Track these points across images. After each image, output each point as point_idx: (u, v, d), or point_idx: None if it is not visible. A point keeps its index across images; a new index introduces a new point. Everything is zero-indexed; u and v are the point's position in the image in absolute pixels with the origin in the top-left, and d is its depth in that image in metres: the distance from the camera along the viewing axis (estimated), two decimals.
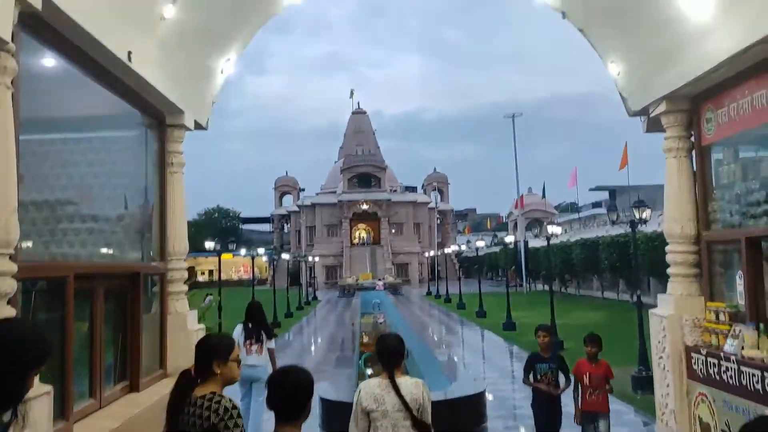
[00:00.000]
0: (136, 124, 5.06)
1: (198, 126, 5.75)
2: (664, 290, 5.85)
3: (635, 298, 28.85)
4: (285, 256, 38.49)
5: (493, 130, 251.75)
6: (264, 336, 7.38)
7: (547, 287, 43.95)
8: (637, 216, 10.61)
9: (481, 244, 27.71)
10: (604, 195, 57.67)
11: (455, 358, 13.94)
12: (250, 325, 7.37)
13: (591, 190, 50.15)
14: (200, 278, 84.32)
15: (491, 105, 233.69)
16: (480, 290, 25.13)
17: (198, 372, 2.90)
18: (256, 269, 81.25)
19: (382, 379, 3.61)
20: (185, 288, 5.44)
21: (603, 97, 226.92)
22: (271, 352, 7.34)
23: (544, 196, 49.80)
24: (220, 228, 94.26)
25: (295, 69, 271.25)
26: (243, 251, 30.06)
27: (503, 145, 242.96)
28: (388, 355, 3.68)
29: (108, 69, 4.18)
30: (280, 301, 28.85)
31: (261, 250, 27.31)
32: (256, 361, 7.16)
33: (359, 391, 3.65)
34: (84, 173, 4.29)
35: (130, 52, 4.05)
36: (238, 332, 7.25)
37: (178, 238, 5.30)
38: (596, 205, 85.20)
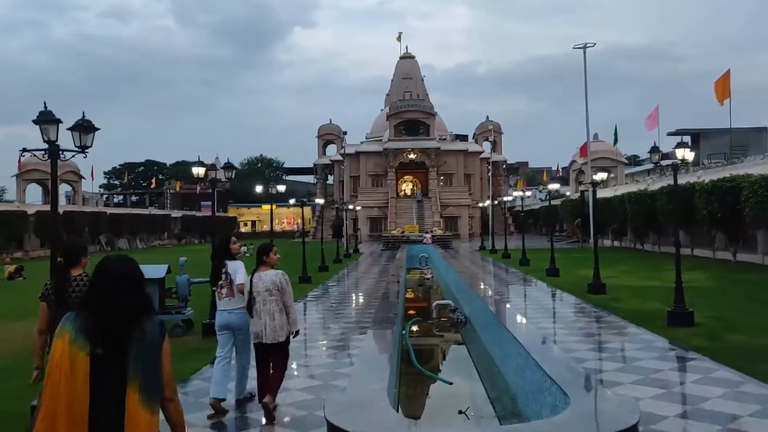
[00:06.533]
0: None
1: None
2: None
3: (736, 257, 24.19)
4: (319, 200, 34.74)
5: (546, 85, 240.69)
6: (230, 273, 6.38)
7: (617, 243, 39.20)
8: None
9: (555, 186, 23.02)
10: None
11: (551, 340, 9.63)
12: (214, 265, 6.69)
13: (669, 134, 44.13)
14: (243, 229, 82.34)
15: (544, 58, 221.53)
16: (552, 245, 20.67)
17: (68, 263, 4.81)
18: (300, 221, 79.30)
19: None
20: None
21: (663, 50, 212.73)
22: (239, 289, 6.34)
23: (615, 141, 43.83)
24: (263, 178, 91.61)
25: (344, 21, 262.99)
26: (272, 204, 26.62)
27: (557, 99, 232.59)
28: (258, 253, 6.24)
29: None
30: (314, 254, 25.10)
31: (291, 201, 23.35)
32: (226, 305, 6.42)
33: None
34: None
35: None
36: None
37: None
38: (664, 156, 78.68)
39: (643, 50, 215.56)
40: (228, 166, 12.00)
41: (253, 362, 6.56)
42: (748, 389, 6.53)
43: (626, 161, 55.51)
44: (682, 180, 28.45)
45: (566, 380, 5.57)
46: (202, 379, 7.83)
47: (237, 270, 6.47)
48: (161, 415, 2.46)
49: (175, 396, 2.57)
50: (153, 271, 11.37)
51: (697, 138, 41.59)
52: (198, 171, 10.73)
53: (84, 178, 54.96)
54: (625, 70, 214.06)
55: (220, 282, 6.45)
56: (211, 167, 11.06)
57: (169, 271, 11.41)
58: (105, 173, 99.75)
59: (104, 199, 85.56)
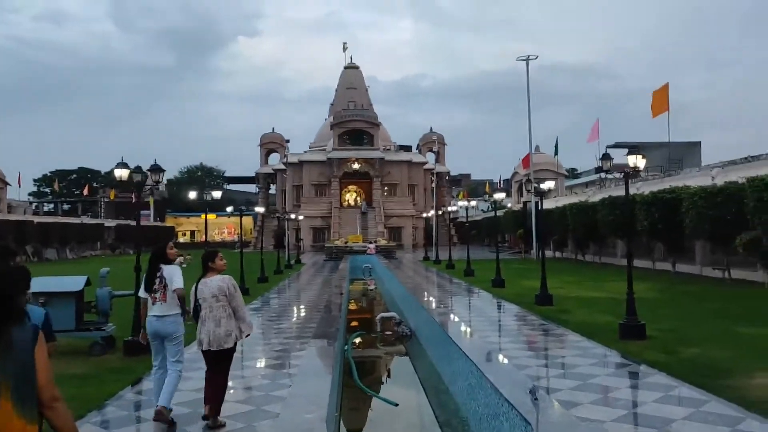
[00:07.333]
0: None
1: None
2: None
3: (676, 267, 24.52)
4: (259, 209, 33.64)
5: (489, 98, 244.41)
6: (165, 278, 6.08)
7: (558, 254, 39.55)
8: None
9: (500, 196, 22.82)
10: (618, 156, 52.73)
11: (504, 357, 9.11)
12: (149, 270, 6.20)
13: (608, 147, 45.06)
14: (181, 239, 79.76)
15: (488, 73, 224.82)
16: (498, 256, 20.38)
17: None
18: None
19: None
20: None
21: (604, 68, 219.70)
22: (178, 294, 6.05)
23: (556, 153, 44.57)
24: (202, 187, 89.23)
25: (289, 31, 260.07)
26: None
27: (499, 112, 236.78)
28: (203, 260, 6.04)
29: None
30: (254, 265, 24.17)
31: (229, 209, 22.27)
32: (158, 311, 6.04)
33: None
34: None
35: None
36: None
37: None
38: (599, 170, 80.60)
39: (582, 68, 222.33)
40: (155, 169, 11.02)
41: (189, 373, 6.34)
42: (713, 409, 6.14)
43: (566, 174, 56.50)
44: (623, 191, 28.83)
45: (526, 405, 5.00)
46: (119, 405, 6.93)
47: (173, 274, 6.18)
48: None
49: (55, 403, 2.32)
50: (69, 283, 10.33)
51: (635, 151, 42.52)
52: (121, 173, 9.74)
53: (10, 185, 52.06)
54: (563, 87, 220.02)
55: (155, 286, 6.16)
56: (136, 170, 10.12)
57: (88, 283, 10.38)
58: (35, 180, 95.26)
59: (33, 208, 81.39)
